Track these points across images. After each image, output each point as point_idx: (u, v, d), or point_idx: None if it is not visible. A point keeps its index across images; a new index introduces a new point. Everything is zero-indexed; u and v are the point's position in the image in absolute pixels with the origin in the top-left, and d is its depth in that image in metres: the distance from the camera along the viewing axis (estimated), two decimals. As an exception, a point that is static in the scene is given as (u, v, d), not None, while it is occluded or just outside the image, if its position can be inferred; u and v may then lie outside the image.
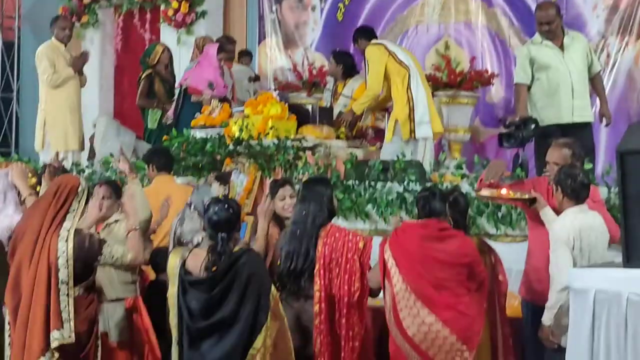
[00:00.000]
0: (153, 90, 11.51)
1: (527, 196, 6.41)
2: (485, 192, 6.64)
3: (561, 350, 5.49)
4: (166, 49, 11.92)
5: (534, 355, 6.46)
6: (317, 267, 6.20)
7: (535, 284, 6.54)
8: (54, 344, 5.84)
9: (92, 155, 11.94)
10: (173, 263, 5.90)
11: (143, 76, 11.70)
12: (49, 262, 5.93)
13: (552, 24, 9.24)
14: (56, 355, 5.87)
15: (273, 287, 5.89)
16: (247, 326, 5.67)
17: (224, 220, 5.76)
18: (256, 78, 12.25)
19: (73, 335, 5.91)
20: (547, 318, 5.97)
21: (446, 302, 5.78)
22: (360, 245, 6.15)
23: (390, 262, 6.04)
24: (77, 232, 6.03)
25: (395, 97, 9.68)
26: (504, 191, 6.51)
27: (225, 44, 11.82)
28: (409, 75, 9.60)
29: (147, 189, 7.94)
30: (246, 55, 12.31)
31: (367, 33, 10.40)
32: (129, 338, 6.98)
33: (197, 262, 5.70)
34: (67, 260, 5.93)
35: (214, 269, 5.64)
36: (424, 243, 6.02)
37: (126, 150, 10.26)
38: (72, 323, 5.92)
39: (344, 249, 6.20)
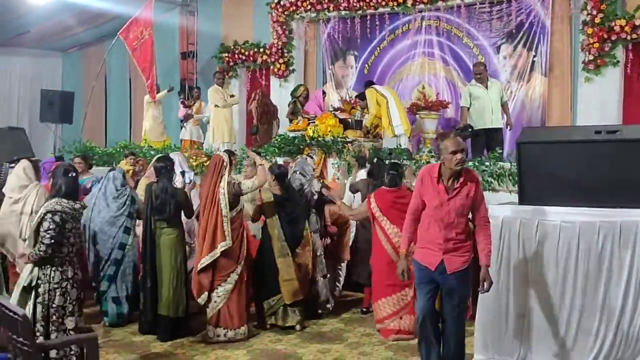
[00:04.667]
0: (296, 110, 11.25)
1: None
2: None
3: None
4: (306, 88, 11.62)
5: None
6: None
7: None
8: (222, 248, 5.92)
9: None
10: (269, 194, 6.31)
11: (290, 102, 11.46)
12: (217, 203, 5.95)
13: (481, 74, 9.35)
14: (216, 252, 5.91)
15: None
16: (304, 218, 6.40)
17: (284, 174, 6.43)
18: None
19: (231, 242, 5.97)
20: None
21: (399, 221, 5.69)
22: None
23: (375, 209, 6.20)
24: (229, 183, 6.03)
25: (381, 114, 9.72)
26: None
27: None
28: (387, 102, 9.62)
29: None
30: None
31: (368, 83, 10.47)
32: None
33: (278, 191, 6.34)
34: (225, 205, 5.95)
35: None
36: (392, 199, 6.19)
37: None
38: (230, 236, 5.97)
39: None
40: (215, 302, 6.03)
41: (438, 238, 4.55)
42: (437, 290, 4.66)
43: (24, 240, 5.78)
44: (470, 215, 4.67)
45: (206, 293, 6.01)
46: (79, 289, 4.78)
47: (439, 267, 4.55)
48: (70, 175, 4.84)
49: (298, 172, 7.02)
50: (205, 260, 5.97)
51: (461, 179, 4.53)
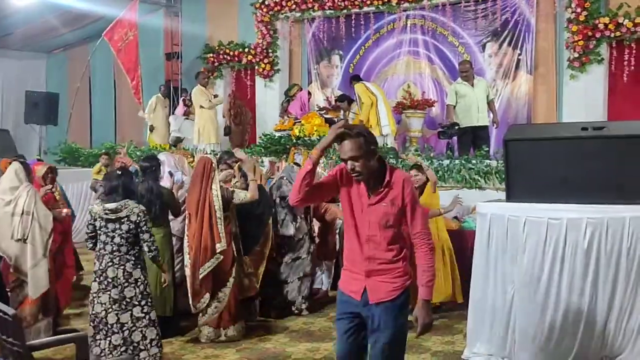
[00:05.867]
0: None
1: None
2: None
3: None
4: (301, 88, 11.67)
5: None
6: None
7: None
8: (219, 250, 5.85)
9: None
10: (243, 195, 6.13)
11: (284, 100, 11.58)
12: (211, 205, 5.86)
13: (467, 73, 9.39)
14: (220, 256, 5.87)
15: None
16: (268, 218, 6.62)
17: None
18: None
19: (226, 244, 5.89)
20: None
21: None
22: None
23: None
24: (220, 187, 5.97)
25: (369, 113, 9.75)
26: None
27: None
28: (376, 100, 9.67)
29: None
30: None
31: (356, 77, 10.53)
32: None
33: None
34: (219, 207, 5.87)
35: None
36: None
37: None
38: (224, 238, 5.89)
39: None
40: (216, 307, 5.96)
41: (359, 256, 3.44)
42: (361, 328, 3.48)
43: (17, 241, 5.74)
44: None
45: (207, 295, 5.91)
46: (103, 285, 4.96)
47: (364, 297, 3.42)
48: (110, 177, 5.18)
49: (285, 178, 7.04)
50: (208, 267, 5.89)
51: (385, 180, 3.40)
